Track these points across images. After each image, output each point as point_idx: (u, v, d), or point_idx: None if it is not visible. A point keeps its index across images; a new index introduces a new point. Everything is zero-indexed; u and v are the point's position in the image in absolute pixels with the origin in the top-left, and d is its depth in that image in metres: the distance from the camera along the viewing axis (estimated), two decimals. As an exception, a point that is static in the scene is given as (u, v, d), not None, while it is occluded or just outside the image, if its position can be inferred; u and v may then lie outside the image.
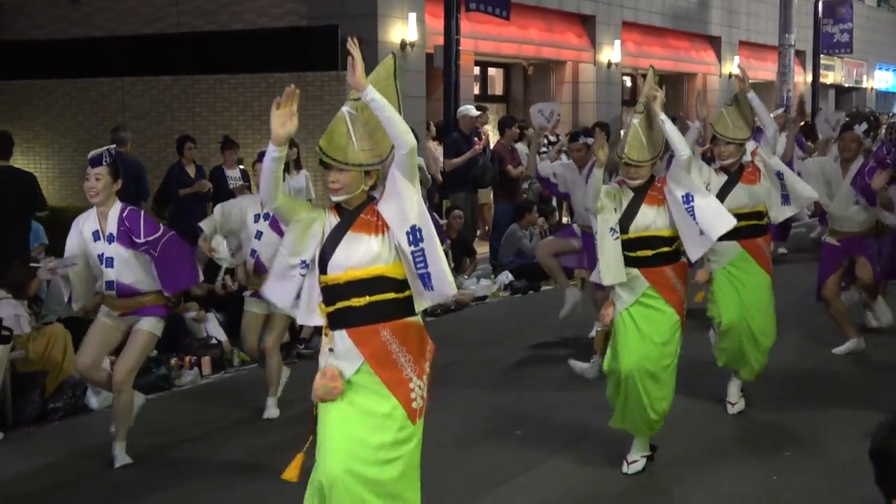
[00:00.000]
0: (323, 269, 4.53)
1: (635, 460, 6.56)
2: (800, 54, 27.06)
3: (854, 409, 7.83)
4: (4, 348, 7.54)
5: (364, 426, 4.52)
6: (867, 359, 9.48)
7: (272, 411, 8.03)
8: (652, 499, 6.45)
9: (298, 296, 4.69)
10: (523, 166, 13.99)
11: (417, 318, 4.69)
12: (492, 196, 15.57)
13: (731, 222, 6.44)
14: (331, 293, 4.54)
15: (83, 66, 17.43)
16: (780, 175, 7.74)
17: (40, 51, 18.06)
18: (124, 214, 6.73)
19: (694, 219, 6.32)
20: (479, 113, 14.58)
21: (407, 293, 4.59)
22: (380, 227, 4.50)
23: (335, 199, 4.55)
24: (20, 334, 7.90)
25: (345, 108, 4.56)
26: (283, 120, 4.33)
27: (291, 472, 4.74)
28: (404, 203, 4.46)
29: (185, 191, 12.46)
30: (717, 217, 6.39)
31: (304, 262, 4.58)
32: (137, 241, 6.63)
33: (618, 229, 6.40)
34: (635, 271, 6.40)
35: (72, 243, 6.84)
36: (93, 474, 6.93)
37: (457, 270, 13.28)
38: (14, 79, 18.12)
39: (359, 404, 4.53)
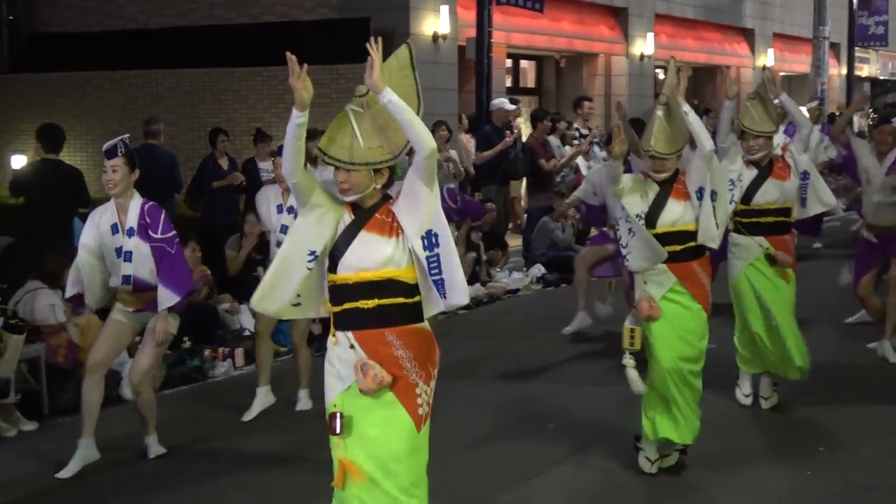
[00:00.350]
0: (332, 268, 4.43)
1: (669, 456, 6.48)
2: (834, 46, 26.86)
3: (888, 405, 7.78)
4: (19, 338, 7.53)
5: (374, 435, 4.43)
6: None
7: (305, 403, 8.03)
8: (683, 497, 6.34)
9: (299, 293, 4.53)
10: (555, 159, 13.94)
11: (425, 325, 4.54)
12: (523, 189, 15.53)
13: (715, 237, 6.35)
14: (339, 293, 4.44)
15: (116, 58, 17.49)
16: (805, 175, 7.60)
17: (73, 43, 18.17)
18: (146, 208, 6.66)
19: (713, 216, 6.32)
20: (514, 107, 14.51)
21: (416, 298, 4.45)
22: (395, 228, 4.37)
23: (346, 198, 4.41)
24: (54, 324, 7.91)
25: (349, 107, 4.41)
26: (306, 83, 4.24)
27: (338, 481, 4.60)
28: (421, 206, 4.33)
29: (218, 183, 12.47)
30: (711, 221, 6.32)
31: (313, 252, 4.43)
32: (154, 236, 6.55)
33: (644, 217, 6.26)
34: (663, 266, 6.26)
35: (86, 237, 6.76)
36: (126, 464, 6.94)
37: (489, 263, 13.28)
38: (48, 71, 18.23)
39: (366, 415, 4.43)
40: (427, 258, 4.31)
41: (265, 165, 12.99)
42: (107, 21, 17.86)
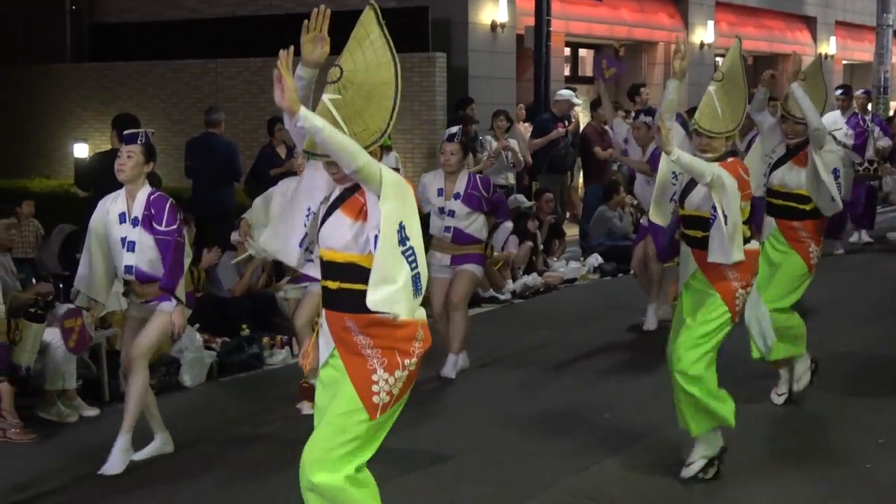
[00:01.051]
0: (318, 240, 4.41)
1: (692, 462, 6.20)
2: (898, 35, 26.48)
3: None
4: (39, 326, 7.52)
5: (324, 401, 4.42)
6: None
7: None
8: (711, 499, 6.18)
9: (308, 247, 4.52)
10: (612, 149, 13.87)
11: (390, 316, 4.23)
12: (580, 179, 15.47)
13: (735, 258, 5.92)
14: (321, 268, 4.43)
15: (176, 47, 17.65)
16: (836, 172, 7.37)
17: (135, 33, 18.37)
18: (152, 199, 6.57)
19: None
20: (580, 102, 14.44)
21: None
22: (363, 213, 4.22)
23: (342, 186, 4.32)
24: (116, 311, 7.98)
25: (325, 97, 4.23)
26: (313, 45, 4.20)
27: None
28: (371, 208, 4.19)
29: (276, 171, 12.51)
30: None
31: (309, 209, 4.44)
32: (158, 228, 6.47)
33: (679, 177, 6.20)
34: (688, 250, 6.20)
35: (96, 223, 6.69)
36: (185, 449, 6.96)
37: (546, 252, 13.25)
38: (109, 60, 18.42)
39: (326, 382, 4.44)
40: (403, 252, 4.13)
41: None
42: (167, 11, 18.04)
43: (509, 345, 9.78)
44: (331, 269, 4.33)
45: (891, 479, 6.28)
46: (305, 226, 4.44)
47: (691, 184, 6.08)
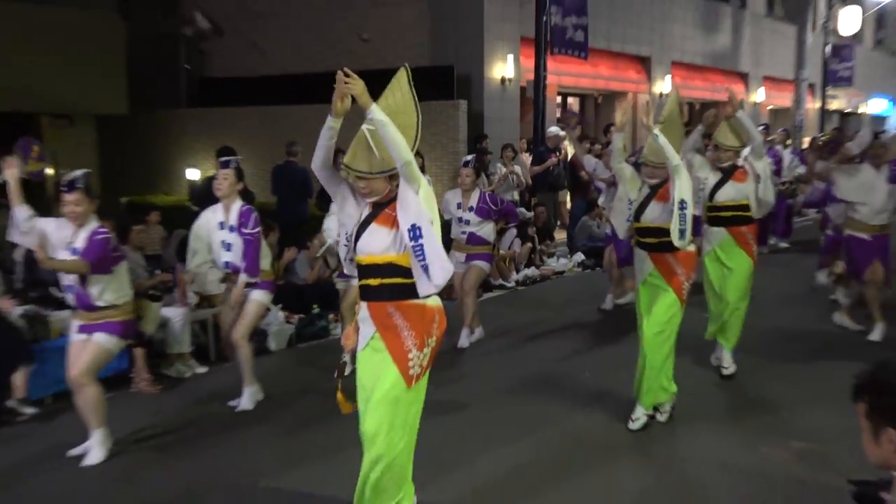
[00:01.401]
0: (355, 250, 4.28)
1: (638, 417, 6.19)
2: (811, 86, 26.31)
3: (837, 377, 7.62)
4: (157, 305, 7.70)
5: (370, 380, 4.28)
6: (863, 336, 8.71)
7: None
8: (660, 442, 6.09)
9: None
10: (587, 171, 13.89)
11: (424, 301, 4.23)
12: (568, 196, 15.44)
13: (687, 243, 5.87)
14: (359, 271, 4.29)
15: (266, 97, 17.71)
16: (757, 178, 7.21)
17: (234, 85, 18.43)
18: (242, 210, 6.68)
19: (684, 223, 5.80)
20: (564, 134, 14.43)
21: (412, 280, 4.17)
22: (395, 222, 4.13)
23: (368, 200, 4.24)
24: (217, 294, 8.03)
25: (364, 127, 4.16)
26: (340, 100, 4.12)
27: (344, 408, 4.51)
28: (407, 205, 4.07)
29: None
30: (688, 226, 5.85)
31: (347, 236, 4.33)
32: (244, 231, 6.60)
33: (631, 201, 6.11)
34: (644, 253, 6.09)
35: (200, 228, 6.83)
36: (273, 397, 7.07)
37: (542, 252, 13.26)
38: (213, 106, 18.52)
39: (368, 363, 4.30)
40: (413, 247, 4.06)
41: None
42: (259, 68, 18.11)
43: (514, 321, 9.81)
44: (370, 269, 4.23)
45: (805, 423, 6.34)
46: (346, 246, 4.34)
47: (645, 202, 6.08)
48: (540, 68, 14.77)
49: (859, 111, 33.02)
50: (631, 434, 6.20)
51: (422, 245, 4.03)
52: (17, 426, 6.65)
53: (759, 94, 25.44)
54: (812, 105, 26.94)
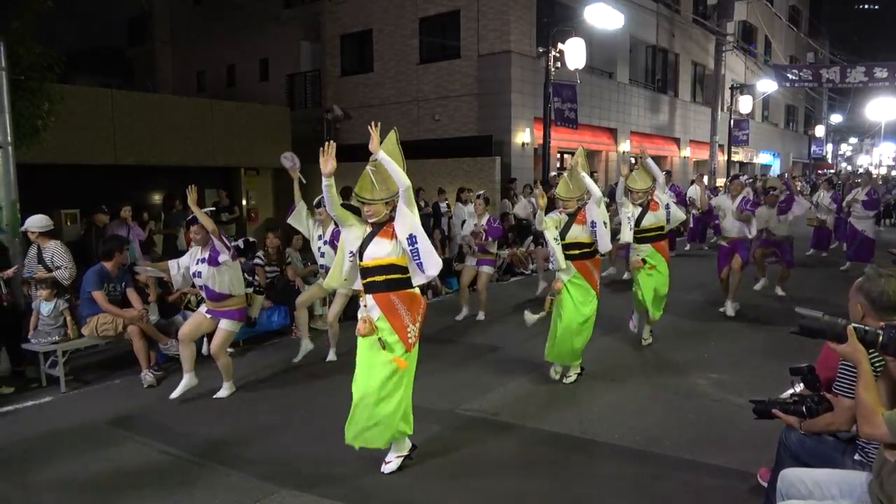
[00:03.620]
0: (361, 258, 3.88)
1: (570, 376, 5.59)
2: (721, 146, 25.55)
3: (726, 346, 7.01)
4: (261, 298, 6.91)
5: (378, 353, 3.80)
6: (744, 313, 7.92)
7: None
8: (573, 397, 5.30)
9: (346, 277, 4.01)
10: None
11: (415, 290, 3.87)
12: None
13: (608, 246, 5.38)
14: (364, 272, 3.87)
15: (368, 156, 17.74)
16: (667, 206, 6.57)
17: (356, 149, 18.38)
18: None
19: (596, 237, 5.39)
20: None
21: (408, 275, 3.84)
22: (393, 234, 3.81)
23: (370, 221, 3.89)
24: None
25: (368, 167, 3.89)
26: (324, 162, 3.79)
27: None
28: (406, 220, 3.76)
29: (420, 214, 12.45)
30: (605, 237, 5.38)
31: (352, 252, 3.93)
32: (336, 243, 6.20)
33: (559, 239, 5.37)
34: (569, 263, 5.39)
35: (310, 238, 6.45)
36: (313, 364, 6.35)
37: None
38: (342, 162, 18.57)
39: (371, 347, 3.83)
40: (410, 251, 3.76)
41: (443, 206, 12.96)
42: (364, 137, 18.19)
43: (529, 296, 9.62)
44: (376, 269, 3.84)
45: (706, 381, 5.63)
46: (351, 261, 3.97)
47: (567, 225, 5.43)
48: (546, 136, 14.59)
49: (753, 161, 32.01)
50: (602, 371, 5.95)
51: (417, 249, 3.75)
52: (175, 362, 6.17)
53: (686, 151, 24.84)
54: (722, 158, 26.09)
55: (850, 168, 41.33)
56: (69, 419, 5.01)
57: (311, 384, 5.79)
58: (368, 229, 3.93)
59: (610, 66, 20.03)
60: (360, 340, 3.90)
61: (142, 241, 9.45)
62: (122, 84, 24.23)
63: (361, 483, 3.89)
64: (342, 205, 3.93)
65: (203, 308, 5.41)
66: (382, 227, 3.88)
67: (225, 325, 5.33)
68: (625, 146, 20.71)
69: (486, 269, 7.99)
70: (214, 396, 5.41)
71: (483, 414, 4.96)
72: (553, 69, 14.40)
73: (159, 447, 4.48)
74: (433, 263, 3.77)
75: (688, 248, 14.06)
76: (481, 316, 7.98)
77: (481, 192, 8.47)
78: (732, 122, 25.42)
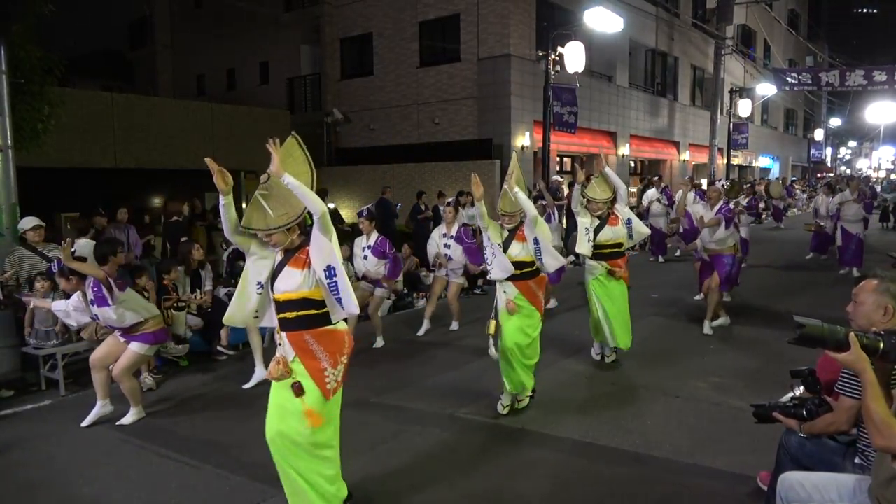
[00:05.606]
0: (272, 290, 3.32)
1: (509, 405, 4.95)
2: (720, 149, 25.55)
3: (726, 349, 7.06)
4: (183, 314, 6.21)
5: (291, 400, 3.26)
6: (743, 315, 7.78)
7: (378, 343, 6.98)
8: (572, 401, 5.23)
9: (257, 311, 3.36)
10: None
11: (335, 326, 3.31)
12: (565, 219, 15.21)
13: (560, 263, 4.84)
14: (277, 307, 3.31)
15: (378, 159, 17.83)
16: (629, 221, 5.93)
17: (355, 152, 18.59)
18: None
19: (539, 255, 4.80)
20: (562, 179, 14.17)
21: (325, 310, 3.27)
22: (306, 263, 3.24)
23: (276, 249, 3.30)
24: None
25: (257, 193, 3.23)
26: (224, 178, 3.18)
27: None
28: (322, 250, 3.16)
29: (421, 216, 12.57)
30: (549, 256, 4.80)
31: (260, 283, 3.33)
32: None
33: (501, 247, 4.83)
34: (509, 283, 4.84)
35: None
36: (364, 352, 6.76)
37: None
38: (343, 165, 18.72)
39: (285, 389, 3.28)
40: (328, 284, 3.18)
41: (445, 208, 12.92)
42: (375, 140, 18.28)
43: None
44: (288, 304, 3.28)
45: (706, 385, 5.62)
46: (259, 293, 3.35)
47: (508, 240, 4.91)
48: (546, 139, 14.58)
49: (752, 165, 32.00)
50: (601, 374, 5.94)
51: (336, 282, 3.18)
52: (221, 362, 6.67)
53: (686, 154, 24.82)
54: (721, 161, 26.07)
55: (848, 171, 41.42)
56: (68, 422, 5.02)
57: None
58: (279, 256, 3.33)
59: (609, 69, 20.04)
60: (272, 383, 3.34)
61: (137, 244, 9.40)
62: (123, 87, 24.28)
63: (360, 486, 3.85)
64: (242, 229, 3.29)
65: (118, 332, 4.96)
66: (294, 253, 3.30)
67: (135, 347, 4.90)
68: (624, 149, 20.72)
69: (458, 281, 7.62)
70: (117, 423, 4.91)
71: (482, 418, 4.94)
72: (553, 73, 14.40)
73: (158, 451, 4.47)
74: (352, 301, 3.22)
75: (678, 254, 13.94)
76: (455, 326, 7.68)
77: (451, 199, 7.94)
78: (732, 125, 25.43)
